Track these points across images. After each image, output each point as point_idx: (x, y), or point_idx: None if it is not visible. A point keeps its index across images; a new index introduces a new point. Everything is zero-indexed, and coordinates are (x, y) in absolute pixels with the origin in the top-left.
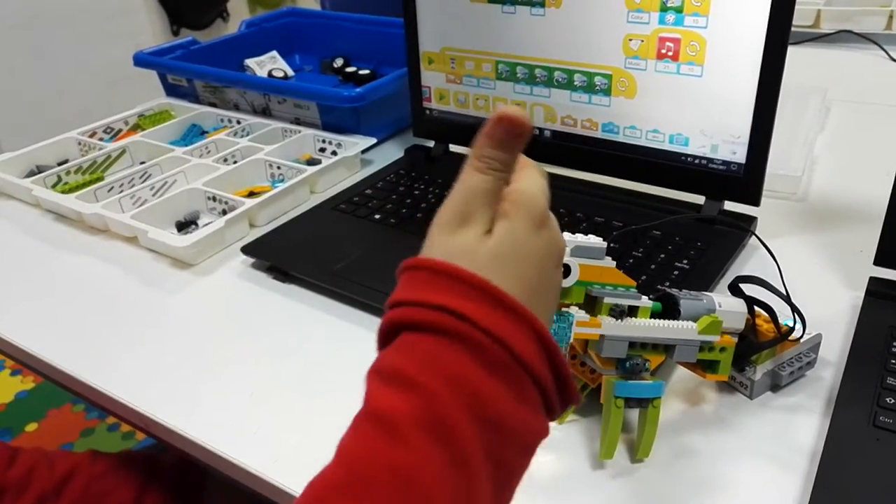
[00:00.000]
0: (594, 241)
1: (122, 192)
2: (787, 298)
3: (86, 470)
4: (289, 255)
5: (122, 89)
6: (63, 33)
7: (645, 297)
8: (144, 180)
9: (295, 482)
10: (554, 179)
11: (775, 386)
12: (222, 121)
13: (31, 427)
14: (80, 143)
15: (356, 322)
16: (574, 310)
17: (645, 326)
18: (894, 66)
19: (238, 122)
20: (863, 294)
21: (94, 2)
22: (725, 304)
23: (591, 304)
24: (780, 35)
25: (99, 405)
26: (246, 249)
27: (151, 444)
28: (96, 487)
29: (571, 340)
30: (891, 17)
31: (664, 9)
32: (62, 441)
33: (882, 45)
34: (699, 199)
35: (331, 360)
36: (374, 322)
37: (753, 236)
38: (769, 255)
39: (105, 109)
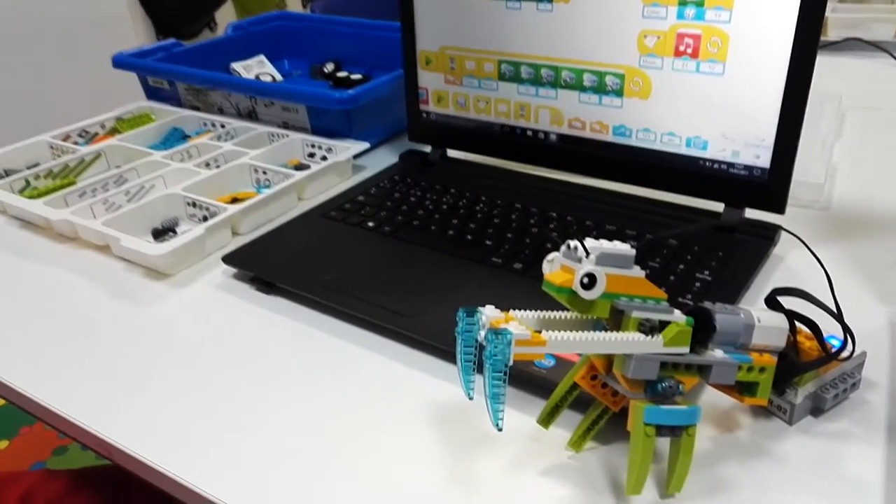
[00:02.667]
0: (622, 247)
1: (94, 197)
2: (837, 314)
3: (43, 491)
4: (274, 265)
5: (103, 97)
6: (44, 41)
7: (677, 312)
8: (119, 185)
9: None
10: (561, 186)
11: (816, 410)
12: (205, 124)
13: (2, 445)
14: (52, 147)
15: (347, 338)
16: (513, 326)
17: (594, 341)
18: None
19: (222, 126)
20: None
21: (77, 10)
22: (765, 319)
23: (617, 319)
24: (812, 26)
25: (60, 430)
26: (227, 259)
27: None
28: None
29: (511, 362)
30: None
31: (683, 2)
32: (34, 460)
33: (892, 52)
34: (718, 206)
35: (319, 380)
36: (368, 338)
37: (798, 242)
38: (796, 267)
39: (84, 116)
